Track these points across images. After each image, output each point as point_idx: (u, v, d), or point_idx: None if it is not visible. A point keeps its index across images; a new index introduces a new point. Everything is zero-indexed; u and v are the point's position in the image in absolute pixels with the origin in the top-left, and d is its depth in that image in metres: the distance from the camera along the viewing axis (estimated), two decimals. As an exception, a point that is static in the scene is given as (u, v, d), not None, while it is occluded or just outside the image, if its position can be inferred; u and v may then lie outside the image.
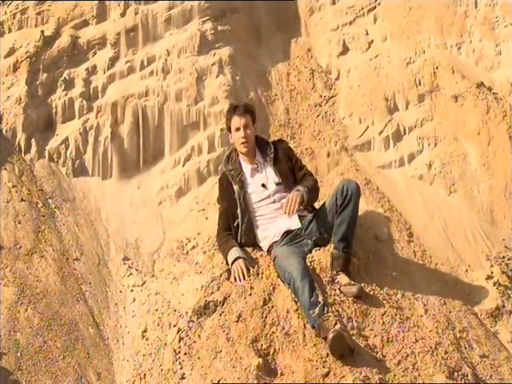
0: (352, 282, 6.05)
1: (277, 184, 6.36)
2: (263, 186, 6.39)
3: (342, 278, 6.05)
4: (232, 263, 6.24)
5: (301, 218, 6.34)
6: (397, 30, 9.08)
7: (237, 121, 6.38)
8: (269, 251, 6.33)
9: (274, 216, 6.36)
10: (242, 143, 6.36)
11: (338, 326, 5.55)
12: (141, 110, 8.61)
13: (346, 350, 5.54)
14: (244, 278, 6.17)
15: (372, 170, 8.12)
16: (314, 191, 6.34)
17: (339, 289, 6.02)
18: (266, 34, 9.51)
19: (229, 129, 6.51)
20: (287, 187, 6.31)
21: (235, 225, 6.40)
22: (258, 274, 6.32)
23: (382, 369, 5.54)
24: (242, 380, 5.58)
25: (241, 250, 6.31)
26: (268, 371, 5.65)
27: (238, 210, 6.36)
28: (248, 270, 6.19)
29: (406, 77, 8.67)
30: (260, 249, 6.40)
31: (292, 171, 6.47)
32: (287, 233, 6.31)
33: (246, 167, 6.46)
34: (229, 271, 6.30)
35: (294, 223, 6.32)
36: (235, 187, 6.38)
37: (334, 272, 6.08)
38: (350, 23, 9.37)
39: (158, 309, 7.20)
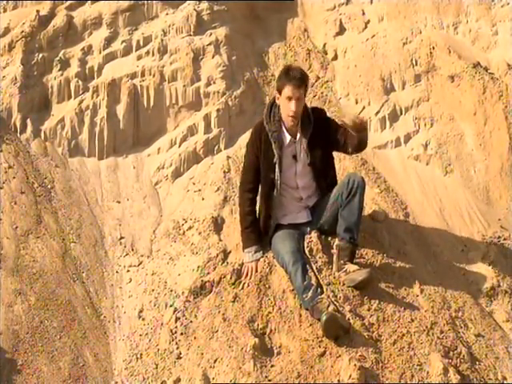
0: (361, 268, 5.96)
1: (308, 164, 6.12)
2: (294, 157, 6.15)
3: (351, 267, 5.95)
4: (247, 261, 6.21)
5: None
6: (393, 10, 9.05)
7: (290, 91, 5.94)
8: (267, 231, 6.29)
9: (288, 202, 6.26)
10: (291, 117, 6.02)
11: (330, 308, 5.56)
12: (137, 90, 8.59)
13: (339, 331, 5.55)
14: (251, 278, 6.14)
15: (368, 151, 8.08)
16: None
17: (345, 279, 5.96)
18: (262, 14, 9.47)
19: (278, 91, 6.05)
20: (316, 171, 6.15)
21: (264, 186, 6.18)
22: (254, 254, 6.32)
23: (378, 348, 5.56)
24: (239, 360, 5.60)
25: (259, 244, 6.22)
26: (264, 351, 5.67)
27: (276, 174, 6.11)
28: (257, 270, 6.14)
29: (402, 57, 8.65)
30: None
31: (331, 140, 6.15)
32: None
33: (285, 133, 6.15)
34: (225, 253, 6.31)
35: (304, 217, 6.29)
36: (275, 149, 6.10)
37: (342, 262, 5.97)
38: (347, 3, 9.34)
39: (155, 289, 7.21)
